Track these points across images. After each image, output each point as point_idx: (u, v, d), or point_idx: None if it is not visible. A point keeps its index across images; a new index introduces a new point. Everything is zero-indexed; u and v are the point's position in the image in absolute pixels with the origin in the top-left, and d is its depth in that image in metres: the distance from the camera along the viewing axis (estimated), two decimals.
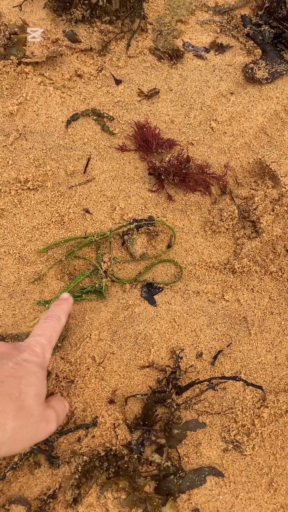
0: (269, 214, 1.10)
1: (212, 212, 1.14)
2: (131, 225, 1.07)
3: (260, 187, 1.15)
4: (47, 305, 0.99)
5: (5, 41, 1.25)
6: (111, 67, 1.31)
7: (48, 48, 1.29)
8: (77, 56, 1.31)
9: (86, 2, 1.30)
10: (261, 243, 1.08)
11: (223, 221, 1.12)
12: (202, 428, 0.91)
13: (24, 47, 1.27)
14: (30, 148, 1.14)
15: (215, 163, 1.19)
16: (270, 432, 0.91)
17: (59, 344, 0.95)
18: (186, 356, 0.98)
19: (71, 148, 1.17)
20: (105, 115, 1.23)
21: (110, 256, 1.06)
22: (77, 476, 0.83)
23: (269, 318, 1.04)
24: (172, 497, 0.83)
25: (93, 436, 0.88)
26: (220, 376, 0.96)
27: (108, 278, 1.04)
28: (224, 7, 1.46)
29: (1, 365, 0.68)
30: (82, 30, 1.33)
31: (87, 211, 1.10)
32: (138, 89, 1.28)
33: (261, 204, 1.10)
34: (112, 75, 1.29)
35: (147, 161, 1.18)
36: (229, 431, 0.91)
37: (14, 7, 1.35)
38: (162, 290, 1.05)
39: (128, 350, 0.96)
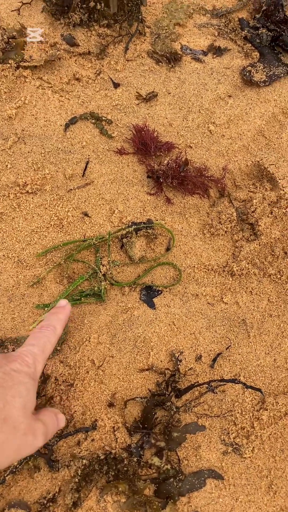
0: (268, 216, 1.10)
1: (210, 215, 1.14)
2: (130, 228, 1.08)
3: (258, 190, 1.16)
4: (46, 309, 0.99)
5: (4, 45, 1.25)
6: (109, 71, 1.31)
7: (47, 52, 1.29)
8: (75, 60, 1.31)
9: (84, 6, 1.31)
10: (259, 245, 1.09)
11: (221, 224, 1.12)
12: (202, 431, 0.91)
13: (22, 51, 1.28)
14: (28, 152, 1.15)
15: (214, 166, 1.20)
16: (270, 435, 0.91)
17: (58, 348, 0.95)
18: (185, 359, 0.98)
19: (70, 151, 1.17)
20: (103, 118, 1.23)
21: (109, 259, 1.06)
22: (76, 479, 0.83)
23: (268, 320, 1.04)
24: (171, 500, 0.83)
25: (92, 440, 0.88)
26: (219, 378, 0.97)
27: (107, 281, 1.04)
28: (221, 10, 1.47)
29: None
30: (80, 33, 1.34)
31: (86, 215, 1.10)
32: (136, 92, 1.28)
33: (259, 206, 1.11)
34: (110, 79, 1.30)
35: (146, 164, 1.18)
36: (228, 433, 0.92)
37: (12, 11, 1.35)
38: (161, 293, 1.05)
39: (127, 353, 0.96)
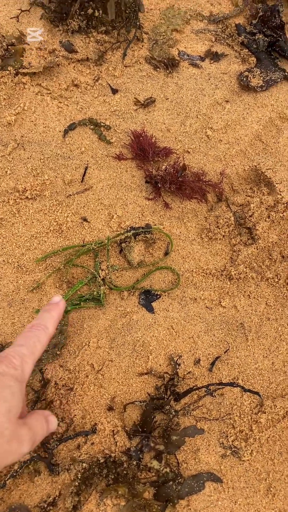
0: (265, 220, 1.11)
1: (208, 219, 1.15)
2: (129, 233, 1.09)
3: (255, 194, 1.17)
4: None
5: (3, 52, 1.26)
6: (108, 77, 1.33)
7: (45, 59, 1.30)
8: (74, 66, 1.32)
9: (83, 13, 1.32)
10: (257, 249, 1.09)
11: (219, 228, 1.13)
12: (200, 434, 0.92)
13: (21, 58, 1.29)
14: (28, 158, 1.16)
15: (211, 171, 1.21)
16: (268, 438, 0.92)
17: (58, 352, 0.96)
18: (184, 362, 0.99)
19: (69, 157, 1.18)
20: (102, 124, 1.24)
21: (108, 264, 1.07)
22: (76, 483, 0.84)
23: (266, 324, 1.05)
24: (171, 504, 0.84)
25: (92, 443, 0.89)
26: (217, 382, 0.97)
27: (106, 285, 1.05)
28: (218, 16, 1.48)
29: None
30: (78, 40, 1.35)
31: (85, 220, 1.11)
32: (135, 98, 1.29)
33: (256, 211, 1.12)
34: (109, 85, 1.31)
35: (144, 169, 1.19)
36: (227, 436, 0.92)
37: (11, 18, 1.37)
38: (160, 297, 1.06)
39: (127, 357, 0.97)
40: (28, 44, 1.32)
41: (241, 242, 1.12)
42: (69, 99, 1.27)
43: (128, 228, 1.11)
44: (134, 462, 0.86)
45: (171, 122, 1.27)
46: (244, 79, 1.35)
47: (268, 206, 1.13)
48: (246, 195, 1.18)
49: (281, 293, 1.08)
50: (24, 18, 1.38)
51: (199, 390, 0.95)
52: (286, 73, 1.37)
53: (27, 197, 1.11)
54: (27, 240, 1.08)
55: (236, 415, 0.94)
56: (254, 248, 1.09)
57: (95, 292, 1.03)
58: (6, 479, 0.84)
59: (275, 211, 1.11)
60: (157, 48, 1.40)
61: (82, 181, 1.16)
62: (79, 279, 1.06)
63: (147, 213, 1.14)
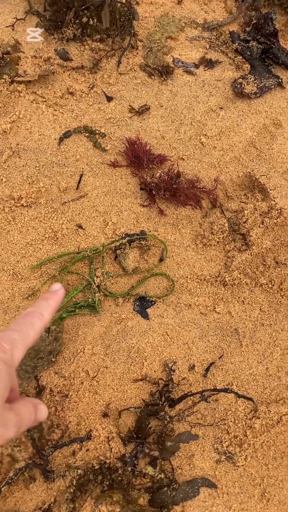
0: (259, 227, 1.12)
1: (203, 226, 1.16)
2: (124, 240, 1.09)
3: (249, 200, 1.17)
4: None
5: None
6: (103, 84, 1.34)
7: (40, 67, 1.31)
8: (69, 74, 1.33)
9: (77, 21, 1.33)
10: (251, 255, 1.10)
11: (213, 234, 1.14)
12: (195, 440, 0.92)
13: (16, 66, 1.30)
14: (23, 166, 1.16)
15: (205, 177, 1.22)
16: (262, 443, 0.93)
17: (53, 359, 0.97)
18: (178, 368, 0.99)
19: (64, 165, 1.19)
20: (97, 131, 1.25)
21: (103, 270, 1.08)
22: (71, 490, 0.84)
23: (260, 329, 1.06)
24: (166, 510, 0.84)
25: (87, 450, 0.89)
26: (212, 388, 0.98)
27: (101, 292, 1.06)
28: (212, 23, 1.50)
29: None
30: (73, 48, 1.36)
31: (80, 227, 1.12)
32: (129, 105, 1.30)
33: (250, 217, 1.13)
34: (104, 92, 1.32)
35: (139, 176, 1.20)
36: (221, 442, 0.93)
37: (6, 27, 1.38)
38: (155, 303, 1.07)
39: (121, 364, 0.98)
40: (24, 53, 1.33)
41: (235, 248, 1.13)
42: (64, 107, 1.28)
43: (123, 234, 1.12)
44: (129, 468, 0.87)
45: (166, 129, 1.28)
46: (238, 86, 1.36)
47: (262, 212, 1.13)
48: (240, 201, 1.19)
49: (275, 298, 1.09)
50: (19, 26, 1.39)
51: (194, 396, 0.96)
52: (280, 80, 1.38)
53: (22, 205, 1.12)
54: (23, 247, 1.08)
55: (231, 421, 0.95)
56: (248, 254, 1.10)
57: (90, 299, 1.04)
58: (1, 486, 0.84)
59: (269, 217, 1.12)
60: (151, 56, 1.41)
61: (77, 188, 1.17)
62: (74, 286, 1.07)
63: (142, 220, 1.15)
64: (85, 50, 1.36)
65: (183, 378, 0.98)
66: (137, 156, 1.19)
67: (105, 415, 0.93)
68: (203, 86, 1.37)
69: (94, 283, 1.06)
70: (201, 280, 1.11)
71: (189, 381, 0.98)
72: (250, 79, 1.38)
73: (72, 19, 1.33)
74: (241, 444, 0.92)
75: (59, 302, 0.75)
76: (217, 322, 1.06)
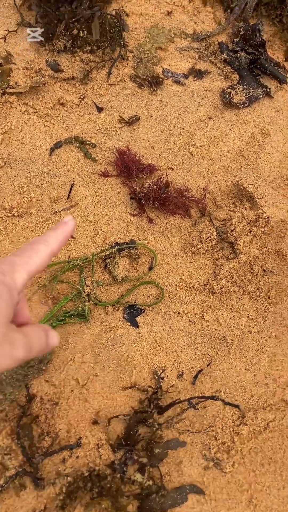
0: (247, 235, 1.14)
1: (191, 234, 1.18)
2: (113, 249, 1.11)
3: (238, 209, 1.19)
4: None
5: None
6: (93, 95, 1.36)
7: (32, 78, 1.33)
8: (60, 85, 1.35)
9: (68, 33, 1.35)
10: (239, 263, 1.12)
11: (202, 243, 1.16)
12: (183, 446, 0.94)
13: (8, 78, 1.32)
14: (15, 176, 1.18)
15: (194, 187, 1.24)
16: (250, 449, 0.94)
17: (43, 367, 0.98)
18: (167, 376, 1.01)
19: (55, 175, 1.21)
20: (87, 142, 1.27)
21: (93, 279, 1.09)
22: (61, 497, 0.86)
23: (248, 337, 1.07)
24: None
25: (77, 457, 0.91)
26: (200, 395, 0.99)
27: (91, 301, 1.07)
28: (202, 34, 1.52)
29: None
30: (64, 59, 1.38)
31: (71, 236, 1.13)
32: (119, 116, 1.32)
33: (238, 225, 1.14)
34: (94, 103, 1.34)
35: (129, 186, 1.22)
36: (209, 448, 0.94)
37: None
38: (144, 311, 1.08)
39: (111, 372, 0.99)
40: (15, 64, 1.35)
41: (224, 257, 1.15)
42: (55, 118, 1.30)
43: (113, 243, 1.13)
44: (118, 475, 0.88)
45: (155, 139, 1.30)
46: (227, 96, 1.38)
47: (250, 220, 1.15)
48: (228, 210, 1.21)
49: (263, 306, 1.10)
50: (11, 38, 1.41)
51: (182, 403, 0.97)
52: (268, 90, 1.41)
53: (13, 215, 1.13)
54: None
55: (219, 427, 0.96)
56: (236, 262, 1.12)
57: (80, 308, 1.06)
58: None
59: (256, 226, 1.14)
60: (141, 66, 1.43)
61: (68, 198, 1.19)
62: (64, 295, 1.08)
63: (132, 229, 1.17)
64: (75, 62, 1.38)
65: (172, 386, 1.00)
66: (127, 166, 1.21)
67: (94, 422, 0.94)
68: (192, 96, 1.39)
69: (84, 292, 1.07)
70: (190, 288, 1.12)
71: (178, 389, 1.00)
72: (238, 89, 1.40)
73: (62, 31, 1.35)
74: (229, 450, 0.94)
75: (68, 232, 0.69)
76: (205, 330, 1.08)
